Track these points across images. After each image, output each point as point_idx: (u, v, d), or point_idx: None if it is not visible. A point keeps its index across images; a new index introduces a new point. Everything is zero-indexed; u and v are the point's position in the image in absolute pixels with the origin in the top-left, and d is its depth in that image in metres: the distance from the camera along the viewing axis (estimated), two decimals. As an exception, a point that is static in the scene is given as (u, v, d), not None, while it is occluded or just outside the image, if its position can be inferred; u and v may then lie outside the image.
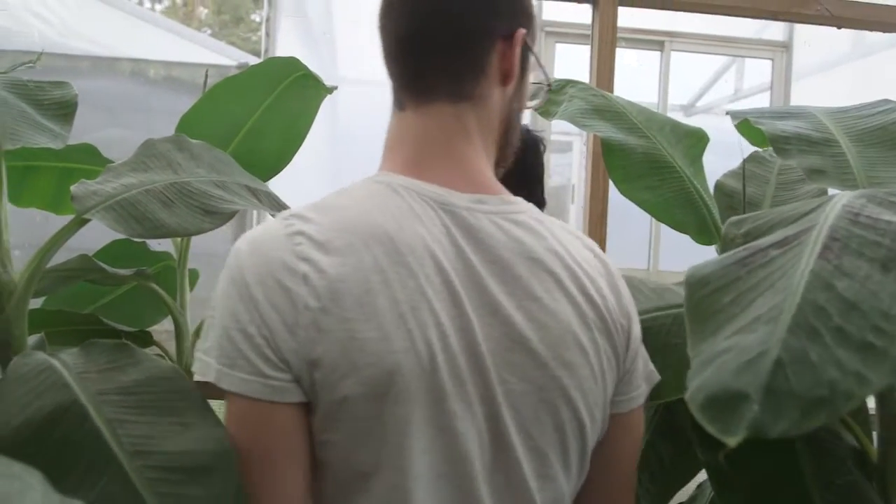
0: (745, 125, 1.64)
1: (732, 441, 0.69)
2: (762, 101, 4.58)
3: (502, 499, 0.96)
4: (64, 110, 1.49)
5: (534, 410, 0.96)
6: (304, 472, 0.92)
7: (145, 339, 1.97)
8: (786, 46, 4.50)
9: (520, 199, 1.05)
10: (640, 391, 1.10)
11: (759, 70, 4.70)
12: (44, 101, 1.48)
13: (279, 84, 1.87)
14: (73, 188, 1.23)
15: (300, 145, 1.97)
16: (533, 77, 1.13)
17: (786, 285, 0.85)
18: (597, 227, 2.22)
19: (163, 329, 2.11)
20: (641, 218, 2.16)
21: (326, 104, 1.99)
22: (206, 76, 2.09)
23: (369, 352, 0.88)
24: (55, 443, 0.98)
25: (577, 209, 4.92)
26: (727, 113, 1.63)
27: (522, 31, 1.03)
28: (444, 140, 1.02)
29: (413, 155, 1.03)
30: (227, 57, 8.68)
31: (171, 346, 2.00)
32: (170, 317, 2.00)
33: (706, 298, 0.89)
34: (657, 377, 1.15)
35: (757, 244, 0.97)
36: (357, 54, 4.35)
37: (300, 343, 0.88)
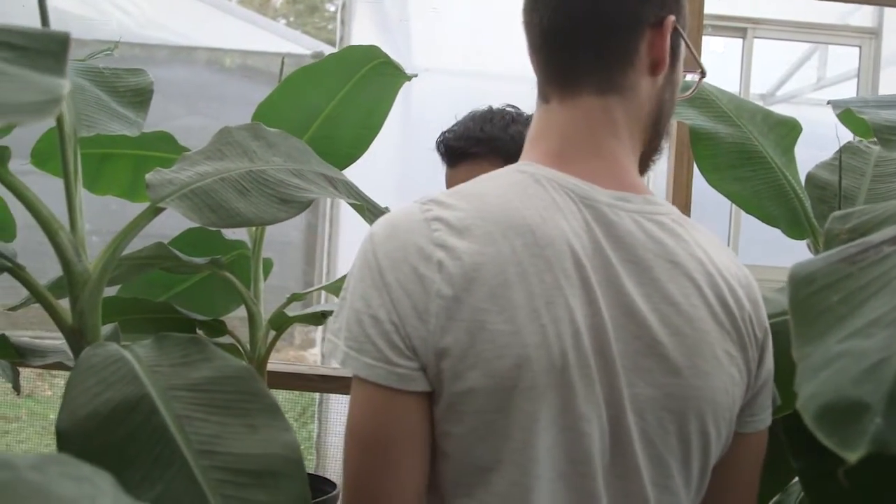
0: (847, 114, 1.56)
1: (853, 456, 0.63)
2: (847, 90, 4.43)
3: None
4: (139, 97, 1.47)
5: (658, 418, 0.93)
6: (423, 463, 0.90)
7: (219, 328, 1.96)
8: (874, 33, 4.33)
9: (665, 201, 1.02)
10: (768, 413, 1.05)
11: (843, 57, 4.56)
12: (119, 89, 1.46)
13: (357, 72, 1.83)
14: (147, 176, 1.21)
15: (377, 134, 1.94)
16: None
17: (906, 285, 0.79)
18: (681, 194, 2.15)
19: (235, 317, 2.10)
20: (720, 210, 2.10)
21: (400, 92, 1.95)
22: (283, 64, 2.06)
23: (499, 344, 0.86)
24: (122, 435, 0.96)
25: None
26: (828, 102, 1.56)
27: (672, 17, 0.99)
28: (589, 134, 0.99)
29: (557, 147, 0.99)
30: (301, 46, 8.74)
31: (245, 335, 1.98)
32: (243, 306, 1.98)
33: (812, 297, 0.82)
34: (777, 399, 1.09)
35: (867, 240, 0.90)
36: (432, 43, 4.32)
37: (430, 331, 0.86)
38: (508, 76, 4.24)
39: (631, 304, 0.92)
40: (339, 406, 3.69)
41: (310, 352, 6.07)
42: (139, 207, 1.94)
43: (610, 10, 0.97)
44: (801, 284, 0.84)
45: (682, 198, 2.15)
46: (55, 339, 1.48)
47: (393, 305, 0.87)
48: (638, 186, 1.00)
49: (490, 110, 1.65)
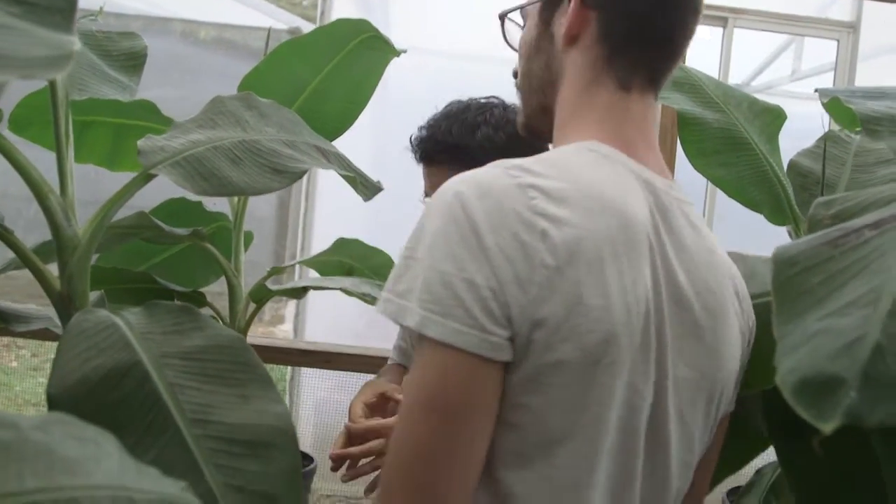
0: (833, 103, 1.57)
1: (828, 427, 0.65)
2: (823, 82, 4.46)
3: (646, 482, 0.95)
4: (133, 62, 1.45)
5: (692, 398, 0.96)
6: (490, 434, 0.88)
7: (198, 300, 1.95)
8: (853, 27, 4.36)
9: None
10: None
11: (819, 51, 4.59)
12: (112, 52, 1.44)
13: (345, 46, 1.81)
14: (139, 143, 1.19)
15: (363, 108, 1.92)
16: None
17: (883, 267, 0.81)
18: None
19: (212, 290, 2.08)
20: (695, 194, 2.12)
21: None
22: (269, 37, 2.04)
23: (592, 318, 0.86)
24: (113, 401, 0.95)
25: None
26: (815, 90, 1.57)
27: None
28: (653, 127, 1.05)
29: (627, 135, 1.01)
30: (278, 20, 8.67)
31: (222, 307, 1.97)
32: (221, 279, 1.97)
33: (794, 278, 0.85)
34: None
35: (849, 225, 0.93)
36: (411, 22, 4.30)
37: (530, 300, 0.84)
38: (486, 57, 4.23)
39: (680, 288, 0.95)
40: (310, 380, 3.68)
41: (279, 328, 6.05)
42: (117, 177, 1.94)
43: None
44: (784, 266, 0.86)
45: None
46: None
47: (493, 271, 0.85)
48: (671, 177, 1.04)
49: (466, 107, 1.60)
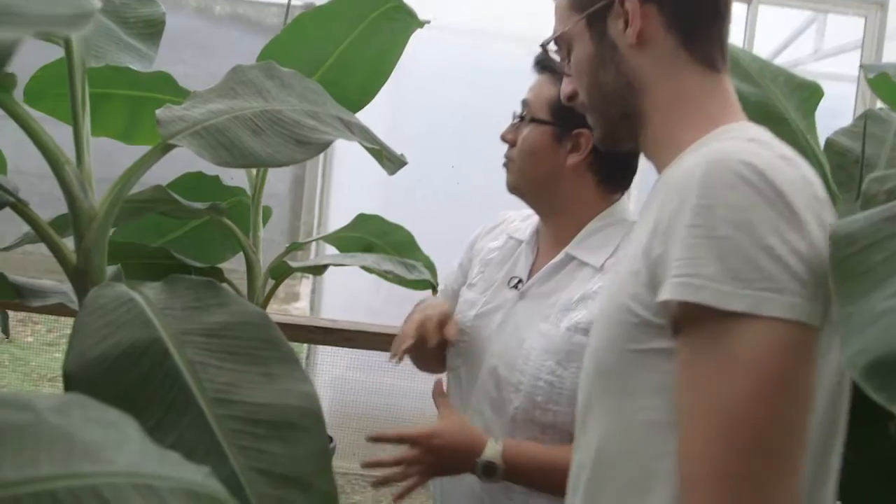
0: (877, 80, 1.52)
1: None
2: (848, 61, 4.39)
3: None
4: (151, 29, 1.41)
5: None
6: None
7: (216, 276, 1.90)
8: (881, 4, 4.28)
9: None
10: None
11: (843, 29, 4.51)
12: (130, 19, 1.39)
13: (368, 16, 1.76)
14: (158, 112, 1.15)
15: (385, 81, 1.87)
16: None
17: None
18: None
19: (231, 267, 2.05)
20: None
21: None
22: (289, 6, 1.99)
23: None
24: (132, 380, 0.91)
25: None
26: (861, 66, 1.52)
27: None
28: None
29: (738, 113, 1.04)
30: (294, -3, 8.62)
31: (240, 284, 1.93)
32: (240, 254, 1.93)
33: (854, 257, 0.82)
34: None
35: (911, 201, 0.89)
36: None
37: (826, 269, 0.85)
38: (499, 34, 4.20)
39: None
40: (326, 358, 3.65)
41: (294, 305, 6.03)
42: (133, 150, 1.90)
43: None
44: (842, 244, 0.83)
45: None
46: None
47: (811, 240, 0.85)
48: None
49: None
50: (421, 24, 1.82)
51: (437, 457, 1.42)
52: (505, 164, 1.61)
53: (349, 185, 3.77)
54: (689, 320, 0.86)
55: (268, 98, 1.26)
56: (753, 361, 0.83)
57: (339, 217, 3.93)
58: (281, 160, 1.16)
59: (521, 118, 1.58)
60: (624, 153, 1.55)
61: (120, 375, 0.90)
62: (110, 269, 1.34)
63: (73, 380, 0.89)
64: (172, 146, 1.15)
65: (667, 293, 0.86)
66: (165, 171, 1.74)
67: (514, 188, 1.60)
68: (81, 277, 1.14)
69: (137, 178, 1.18)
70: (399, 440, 1.43)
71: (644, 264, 0.92)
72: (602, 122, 1.13)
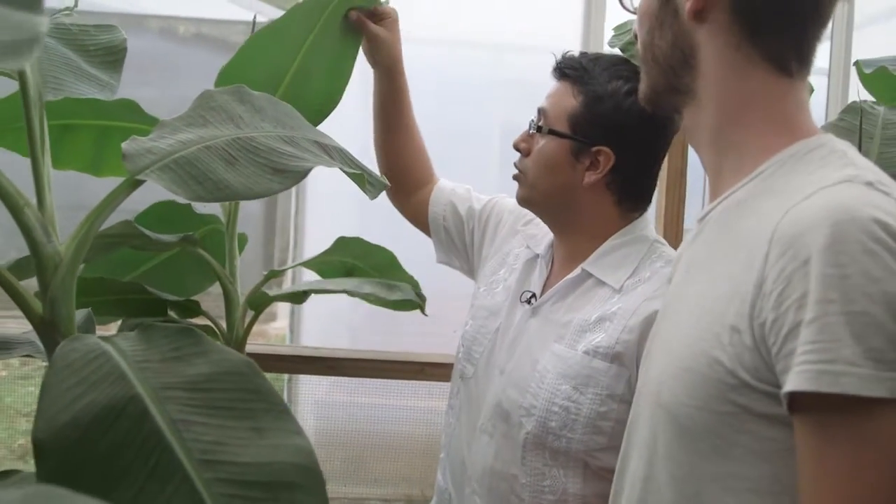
0: (870, 76, 1.48)
1: None
2: (819, 51, 4.40)
3: None
4: (112, 56, 1.33)
5: None
6: None
7: (193, 309, 1.84)
8: (848, -3, 4.29)
9: None
10: None
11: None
12: (89, 47, 1.31)
13: (319, 17, 1.67)
14: (124, 146, 1.07)
15: (348, 80, 1.77)
16: None
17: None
18: (675, 184, 2.05)
19: (208, 297, 1.97)
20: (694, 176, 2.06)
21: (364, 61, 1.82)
22: (255, 23, 1.91)
23: None
24: (109, 445, 0.83)
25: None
26: (855, 62, 1.48)
27: None
28: None
29: (814, 126, 0.98)
30: (259, 13, 8.55)
31: (215, 312, 1.86)
32: (216, 283, 1.85)
33: None
34: None
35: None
36: (402, 11, 4.25)
37: None
38: (477, 43, 4.16)
39: None
40: (308, 388, 3.57)
41: (272, 326, 5.94)
42: (100, 183, 1.82)
43: None
44: None
45: (678, 162, 2.05)
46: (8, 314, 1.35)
47: None
48: None
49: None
50: (377, 1, 1.73)
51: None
52: (516, 176, 1.55)
53: (325, 205, 3.70)
54: (818, 404, 0.78)
55: (240, 124, 1.19)
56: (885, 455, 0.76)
57: (315, 239, 3.86)
58: (258, 192, 1.08)
59: (539, 128, 1.50)
60: (646, 175, 1.50)
61: (96, 441, 0.82)
62: (80, 313, 1.26)
63: (44, 450, 0.81)
64: (141, 181, 1.07)
65: (801, 383, 0.78)
66: (140, 197, 1.67)
67: (526, 201, 1.55)
68: (48, 328, 1.06)
69: (105, 217, 1.10)
70: None
71: (747, 324, 0.84)
72: (648, 81, 1.07)
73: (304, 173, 1.12)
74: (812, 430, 0.80)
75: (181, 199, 1.80)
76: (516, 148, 1.55)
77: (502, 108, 4.62)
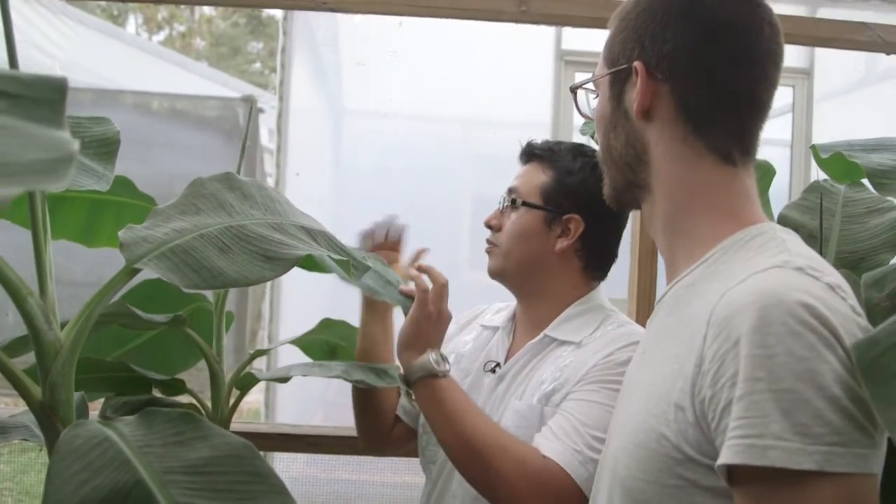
0: (827, 159, 1.55)
1: None
2: (780, 125, 4.53)
3: None
4: (106, 148, 1.38)
5: None
6: None
7: (178, 388, 1.85)
8: (807, 73, 4.44)
9: None
10: None
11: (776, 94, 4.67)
12: (85, 139, 1.36)
13: None
14: (121, 234, 1.12)
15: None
16: None
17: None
18: (646, 263, 2.11)
19: (191, 375, 1.99)
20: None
21: (330, 134, 1.88)
22: (252, 108, 1.97)
23: None
24: (116, 529, 0.86)
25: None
26: (811, 146, 1.55)
27: None
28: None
29: (759, 213, 1.03)
30: (230, 88, 8.63)
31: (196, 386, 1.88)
32: (201, 361, 1.88)
33: (879, 359, 0.79)
34: None
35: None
36: (361, 87, 4.34)
37: None
38: (431, 116, 4.26)
39: None
40: (283, 465, 3.55)
41: (245, 399, 5.90)
42: (91, 253, 1.86)
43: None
44: (866, 348, 0.81)
45: (647, 265, 2.11)
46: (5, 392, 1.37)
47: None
48: None
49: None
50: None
51: (435, 309, 1.49)
52: (489, 249, 1.65)
53: (302, 282, 3.75)
54: (753, 477, 0.82)
55: (231, 212, 1.24)
56: None
57: (293, 316, 3.88)
58: (251, 279, 1.13)
59: (513, 202, 1.61)
60: (611, 242, 1.60)
61: (103, 525, 0.85)
62: (75, 397, 1.29)
63: (54, 534, 0.84)
64: (138, 270, 1.11)
65: (731, 457, 0.82)
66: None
67: (498, 273, 1.64)
68: (47, 413, 1.09)
69: (104, 305, 1.14)
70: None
71: (689, 402, 0.89)
72: (611, 181, 1.14)
73: (294, 261, 1.17)
74: (745, 499, 0.84)
75: (192, 289, 1.85)
76: (487, 225, 1.65)
77: (473, 182, 4.71)
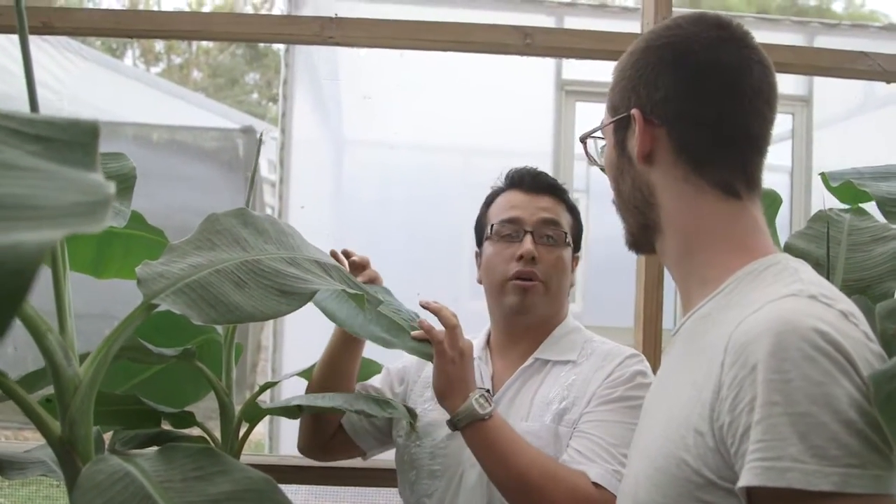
0: (839, 187, 1.57)
1: None
2: (780, 152, 4.57)
3: None
4: (123, 184, 1.39)
5: None
6: None
7: (188, 421, 1.85)
8: (806, 101, 4.48)
9: None
10: None
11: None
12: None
13: None
14: (137, 270, 1.13)
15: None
16: None
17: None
18: (653, 291, 2.12)
19: (200, 407, 1.99)
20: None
21: (331, 165, 1.89)
22: (260, 141, 1.98)
23: None
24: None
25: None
26: (820, 174, 1.57)
27: None
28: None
29: (769, 243, 1.05)
30: (229, 119, 8.67)
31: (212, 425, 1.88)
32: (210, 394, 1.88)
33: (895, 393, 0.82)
34: None
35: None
36: (361, 118, 4.36)
37: None
38: (429, 146, 4.27)
39: None
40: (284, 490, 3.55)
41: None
42: (100, 284, 1.86)
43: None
44: (882, 381, 0.83)
45: (653, 294, 2.12)
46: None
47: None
48: None
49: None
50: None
51: (455, 352, 1.50)
52: (529, 287, 1.65)
53: (302, 313, 3.75)
54: (772, 499, 0.84)
55: (246, 247, 1.25)
56: None
57: (295, 343, 3.88)
58: (267, 314, 1.14)
59: (564, 238, 1.68)
60: None
61: (128, 560, 0.86)
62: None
63: (78, 570, 0.85)
64: (155, 305, 1.12)
65: (751, 479, 0.84)
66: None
67: (542, 317, 1.70)
68: (66, 448, 1.10)
69: (121, 342, 1.15)
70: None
71: (708, 427, 0.91)
72: (627, 225, 1.17)
73: (310, 295, 1.18)
74: None
75: (209, 324, 1.87)
76: (531, 257, 1.64)
77: (473, 212, 4.69)
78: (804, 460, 0.81)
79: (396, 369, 1.84)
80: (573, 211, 1.74)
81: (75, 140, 0.68)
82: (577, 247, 1.72)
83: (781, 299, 0.92)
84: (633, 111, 1.07)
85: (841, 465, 0.81)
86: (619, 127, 1.11)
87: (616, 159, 1.13)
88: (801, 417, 0.83)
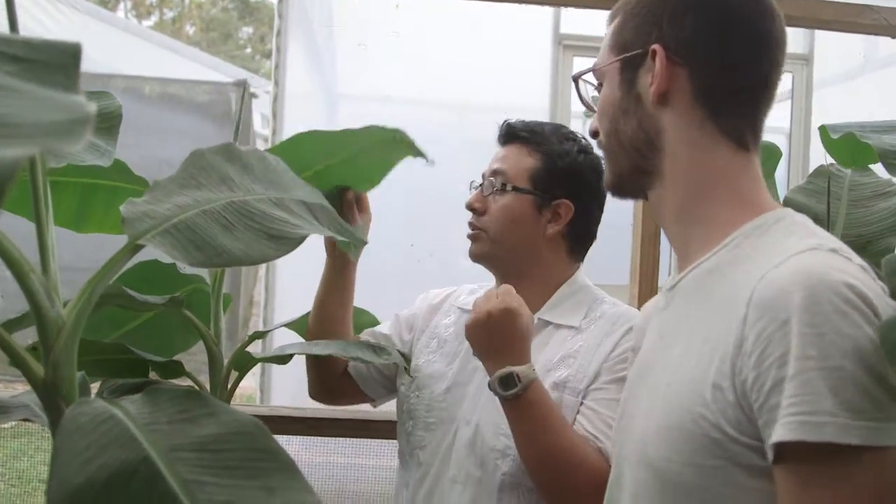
0: (834, 141, 1.54)
1: None
2: (779, 112, 4.53)
3: None
4: (107, 123, 1.35)
5: None
6: None
7: (176, 370, 1.84)
8: (806, 59, 4.44)
9: None
10: None
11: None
12: (85, 113, 1.34)
13: (367, 144, 1.68)
14: (122, 209, 1.09)
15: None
16: None
17: None
18: (649, 247, 2.09)
19: (189, 357, 1.97)
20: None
21: (325, 118, 1.84)
22: (245, 93, 1.94)
23: None
24: (124, 506, 0.84)
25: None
26: (820, 127, 1.55)
27: None
28: None
29: (770, 199, 1.06)
30: (222, 73, 8.60)
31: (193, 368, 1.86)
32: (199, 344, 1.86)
33: None
34: None
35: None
36: (356, 72, 4.31)
37: None
38: (426, 101, 4.24)
39: None
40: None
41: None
42: (82, 238, 1.83)
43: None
44: (890, 328, 0.82)
45: (650, 250, 2.09)
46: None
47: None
48: None
49: (562, 126, 1.73)
50: (416, 153, 1.70)
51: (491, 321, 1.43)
52: (473, 235, 1.64)
53: (294, 265, 3.74)
54: (800, 454, 0.84)
55: (232, 186, 1.20)
56: (875, 492, 0.82)
57: (287, 298, 3.86)
58: (255, 258, 1.11)
59: (503, 186, 1.61)
60: (595, 224, 1.59)
61: (111, 502, 0.83)
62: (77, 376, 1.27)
63: (60, 511, 0.82)
64: (141, 246, 1.09)
65: (786, 433, 0.83)
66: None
67: (483, 256, 1.64)
68: (50, 391, 1.07)
69: (106, 282, 1.12)
70: None
71: (729, 382, 0.90)
72: (614, 168, 1.13)
73: (298, 240, 1.15)
74: (794, 478, 0.85)
75: (165, 258, 1.83)
76: (471, 208, 1.63)
77: (469, 167, 4.67)
78: (837, 414, 0.81)
79: (405, 317, 1.82)
80: (547, 155, 1.63)
81: (55, 61, 0.65)
82: (551, 192, 1.61)
83: (803, 253, 0.91)
84: (655, 47, 1.04)
85: (870, 419, 0.81)
86: (629, 65, 1.07)
87: (620, 99, 1.09)
88: (833, 371, 0.82)
